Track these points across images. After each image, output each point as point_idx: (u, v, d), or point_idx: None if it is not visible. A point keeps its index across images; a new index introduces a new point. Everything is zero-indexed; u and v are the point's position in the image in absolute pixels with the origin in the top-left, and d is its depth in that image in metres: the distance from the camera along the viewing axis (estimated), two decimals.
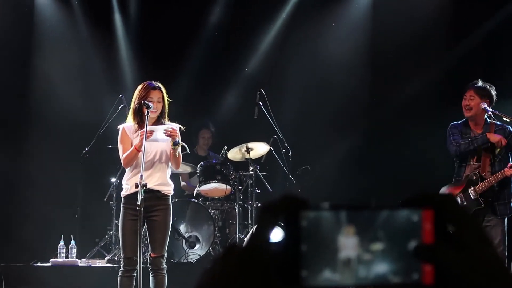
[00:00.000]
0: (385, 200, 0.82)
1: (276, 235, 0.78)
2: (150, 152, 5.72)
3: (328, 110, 9.59)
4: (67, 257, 8.02)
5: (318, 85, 9.77)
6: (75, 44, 9.83)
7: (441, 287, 0.77)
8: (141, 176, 5.41)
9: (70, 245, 8.05)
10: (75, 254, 8.05)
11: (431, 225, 0.77)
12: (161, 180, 5.76)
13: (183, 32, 9.93)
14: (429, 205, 0.78)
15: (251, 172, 8.14)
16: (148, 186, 5.58)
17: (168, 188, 5.84)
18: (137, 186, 5.41)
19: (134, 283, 5.62)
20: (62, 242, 8.03)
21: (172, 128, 5.71)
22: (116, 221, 8.14)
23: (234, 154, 8.33)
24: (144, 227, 5.82)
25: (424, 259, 0.77)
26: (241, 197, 8.25)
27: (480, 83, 6.25)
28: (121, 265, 5.71)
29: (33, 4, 9.91)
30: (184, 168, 8.39)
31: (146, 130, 5.51)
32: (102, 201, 8.39)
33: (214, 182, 8.18)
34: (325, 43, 9.96)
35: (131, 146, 5.68)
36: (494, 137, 6.08)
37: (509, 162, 6.16)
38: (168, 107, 5.88)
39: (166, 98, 5.82)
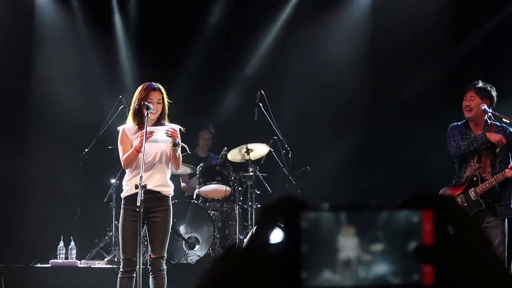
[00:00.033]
0: (385, 200, 0.82)
1: (276, 236, 0.78)
2: (150, 153, 5.72)
3: (328, 111, 9.59)
4: (66, 258, 8.02)
5: (318, 85, 9.76)
6: (75, 45, 9.83)
7: (441, 287, 0.76)
8: (141, 177, 5.41)
9: (69, 246, 8.05)
10: (74, 255, 8.05)
11: (431, 225, 0.77)
12: (161, 181, 5.76)
13: (183, 33, 9.93)
14: (429, 205, 0.78)
15: (251, 173, 8.14)
16: (149, 187, 5.59)
17: (169, 189, 5.84)
18: (137, 187, 5.41)
19: (134, 284, 5.62)
20: (61, 243, 8.03)
21: (172, 129, 5.71)
22: (116, 222, 8.15)
23: (234, 155, 8.33)
24: (144, 228, 5.82)
25: (424, 259, 0.77)
26: (241, 198, 8.25)
27: (480, 84, 6.24)
28: (121, 266, 5.71)
29: (33, 5, 9.92)
30: (184, 169, 8.39)
31: (146, 131, 5.52)
32: (102, 202, 8.39)
33: (214, 183, 8.18)
34: (325, 43, 9.97)
35: (131, 147, 5.68)
36: (494, 137, 6.07)
37: (510, 163, 6.16)
38: (168, 108, 5.88)
39: (166, 99, 5.82)
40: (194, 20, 10.02)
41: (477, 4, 9.09)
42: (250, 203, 8.10)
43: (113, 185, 8.28)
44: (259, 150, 8.29)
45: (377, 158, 9.31)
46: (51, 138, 9.37)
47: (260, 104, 8.18)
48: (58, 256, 7.99)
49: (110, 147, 8.17)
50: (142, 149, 5.51)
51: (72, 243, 8.07)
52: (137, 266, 5.51)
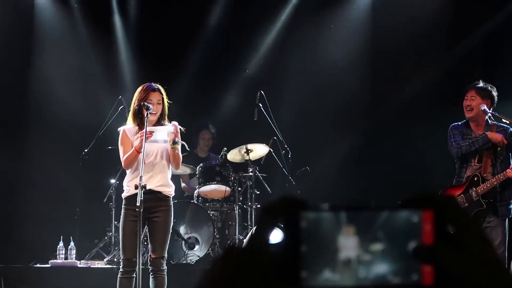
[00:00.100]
0: (385, 200, 0.82)
1: (276, 236, 0.78)
2: (150, 154, 5.72)
3: (328, 111, 9.59)
4: (66, 258, 8.01)
5: (318, 85, 9.76)
6: (74, 45, 9.83)
7: (441, 287, 0.76)
8: (141, 177, 5.41)
9: (69, 246, 8.04)
10: (74, 255, 8.05)
11: (431, 225, 0.77)
12: (162, 181, 5.77)
13: (183, 33, 9.93)
14: (429, 205, 0.78)
15: (251, 174, 8.14)
16: (150, 187, 5.61)
17: (169, 189, 5.84)
18: (136, 187, 5.41)
19: (134, 284, 5.62)
20: (61, 243, 8.02)
21: (173, 125, 5.72)
22: (116, 222, 8.15)
23: (234, 155, 8.33)
24: (145, 228, 5.82)
25: (424, 259, 0.76)
26: (241, 199, 8.25)
27: (481, 84, 6.24)
28: (121, 266, 5.71)
29: (33, 5, 9.91)
30: (184, 170, 8.39)
31: (146, 131, 5.52)
32: (102, 202, 8.39)
33: (214, 184, 8.18)
34: (325, 43, 9.97)
35: (132, 148, 5.68)
36: (495, 137, 6.07)
37: (510, 163, 6.16)
38: (168, 109, 5.88)
39: (165, 100, 5.83)
40: (194, 21, 10.02)
41: (477, 4, 9.09)
42: (249, 203, 8.10)
43: (112, 185, 8.28)
44: (259, 150, 8.29)
45: (377, 158, 9.31)
46: (50, 138, 9.37)
47: (260, 104, 8.18)
48: (57, 256, 7.99)
49: (109, 147, 8.17)
50: (142, 150, 5.52)
51: (72, 243, 8.07)
52: (137, 266, 5.51)
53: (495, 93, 6.23)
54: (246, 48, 10.16)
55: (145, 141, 5.51)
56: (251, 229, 7.92)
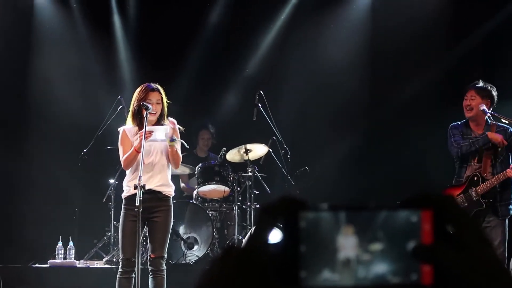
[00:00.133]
0: (385, 200, 0.81)
1: (275, 236, 0.78)
2: (150, 154, 5.73)
3: (327, 111, 9.59)
4: (65, 258, 8.01)
5: (318, 85, 9.76)
6: (74, 45, 9.83)
7: (440, 287, 0.76)
8: (140, 177, 5.41)
9: (68, 246, 8.04)
10: (73, 255, 8.05)
11: (430, 225, 0.77)
12: (162, 181, 5.77)
13: (182, 33, 9.93)
14: (428, 205, 0.78)
15: (250, 174, 8.15)
16: (150, 187, 5.62)
17: (170, 189, 5.85)
18: (136, 187, 5.41)
19: (133, 284, 5.62)
20: (60, 243, 8.02)
21: (172, 126, 5.73)
22: (115, 222, 8.15)
23: (233, 155, 8.33)
24: (145, 228, 5.82)
25: (423, 259, 0.76)
26: (240, 199, 8.25)
27: (481, 84, 6.24)
28: (120, 266, 5.71)
29: (32, 6, 9.91)
30: (183, 170, 8.39)
31: (145, 131, 5.52)
32: (101, 202, 8.38)
33: (213, 184, 8.18)
34: (325, 43, 9.97)
35: (131, 148, 5.69)
36: (495, 137, 6.07)
37: (510, 163, 6.16)
38: (167, 108, 5.88)
39: (165, 100, 5.83)
40: (193, 21, 10.02)
41: (477, 4, 9.09)
42: (248, 204, 8.11)
43: (111, 185, 8.28)
44: (258, 150, 8.29)
45: (377, 158, 9.31)
46: (50, 138, 9.37)
47: (259, 104, 8.18)
48: (56, 256, 7.99)
49: (108, 147, 8.17)
50: (141, 149, 5.52)
51: (71, 243, 8.06)
52: (138, 266, 5.51)
53: (495, 93, 6.23)
54: (246, 48, 10.16)
55: (144, 141, 5.51)
56: (250, 229, 7.92)
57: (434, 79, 9.33)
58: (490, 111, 6.15)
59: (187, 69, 9.83)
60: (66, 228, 8.40)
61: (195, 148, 9.19)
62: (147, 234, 5.88)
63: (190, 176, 8.84)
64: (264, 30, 10.17)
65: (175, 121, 5.87)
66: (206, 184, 8.18)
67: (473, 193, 6.08)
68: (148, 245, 5.96)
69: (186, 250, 7.97)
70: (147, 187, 5.59)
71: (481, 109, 6.13)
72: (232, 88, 10.09)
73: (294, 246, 0.77)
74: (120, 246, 5.76)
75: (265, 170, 8.54)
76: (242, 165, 8.38)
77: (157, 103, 5.75)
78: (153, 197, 5.71)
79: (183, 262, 7.86)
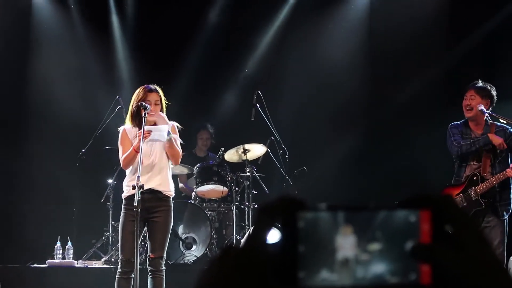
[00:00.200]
0: (385, 200, 0.82)
1: (273, 236, 0.78)
2: (149, 154, 5.73)
3: (327, 111, 9.59)
4: (63, 258, 8.00)
5: (316, 86, 9.77)
6: (72, 46, 9.83)
7: (439, 287, 0.76)
8: (138, 177, 5.41)
9: (66, 246, 8.03)
10: (71, 255, 8.04)
11: (429, 225, 0.77)
12: (162, 181, 5.77)
13: (181, 33, 9.93)
14: (427, 205, 0.78)
15: (248, 174, 8.15)
16: (150, 186, 5.63)
17: (170, 190, 5.85)
18: (134, 187, 5.41)
19: (132, 285, 5.61)
20: (58, 243, 8.01)
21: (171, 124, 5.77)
22: (113, 222, 8.15)
23: (231, 155, 8.33)
24: (144, 228, 5.82)
25: (422, 258, 0.76)
26: (238, 199, 8.25)
27: (480, 83, 6.24)
28: (119, 267, 5.70)
29: (31, 5, 9.91)
30: (181, 170, 8.40)
31: (144, 130, 5.52)
32: (99, 202, 8.37)
33: (211, 184, 8.18)
34: (324, 43, 9.97)
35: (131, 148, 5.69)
36: (496, 139, 6.07)
37: (510, 163, 6.16)
38: (166, 109, 5.89)
39: (163, 101, 5.83)
40: (192, 21, 10.02)
41: (477, 4, 9.09)
42: (247, 204, 8.11)
43: (110, 185, 8.28)
44: (256, 150, 8.29)
45: (377, 158, 9.31)
46: (48, 138, 9.36)
47: (257, 104, 8.18)
48: (55, 256, 7.98)
49: (107, 147, 8.17)
50: (140, 149, 5.51)
51: (69, 243, 8.05)
52: (136, 266, 5.50)
53: (494, 93, 6.23)
54: (244, 48, 10.16)
55: (143, 141, 5.51)
56: (248, 229, 7.92)
57: (434, 79, 9.33)
58: (488, 111, 6.15)
59: (185, 69, 9.82)
60: (65, 228, 8.39)
61: (194, 148, 9.19)
62: (146, 234, 5.87)
63: (189, 176, 8.84)
64: (263, 30, 10.17)
65: (175, 124, 5.89)
66: (205, 184, 8.18)
67: (472, 192, 6.08)
68: (148, 245, 5.95)
69: (184, 250, 7.97)
70: (147, 187, 5.60)
71: (479, 109, 6.12)
72: (230, 88, 10.09)
73: (293, 246, 0.77)
74: (119, 246, 5.75)
75: (263, 170, 8.54)
76: (240, 165, 8.38)
77: (156, 104, 5.75)
78: (153, 197, 5.71)
79: (182, 262, 7.86)
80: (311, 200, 0.78)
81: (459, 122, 6.33)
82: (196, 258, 7.86)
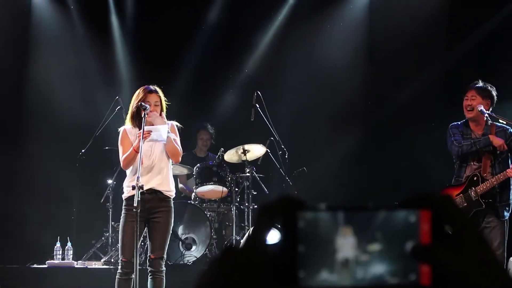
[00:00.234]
0: (385, 200, 0.82)
1: (273, 237, 0.78)
2: (150, 154, 5.73)
3: (327, 111, 9.59)
4: (63, 258, 8.00)
5: (317, 86, 9.77)
6: (72, 46, 9.83)
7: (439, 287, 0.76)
8: (138, 178, 5.41)
9: (66, 247, 8.03)
10: (71, 256, 8.04)
11: (429, 225, 0.77)
12: (162, 181, 5.77)
13: (180, 33, 9.93)
14: (426, 205, 0.78)
15: (248, 174, 8.15)
16: (150, 187, 5.62)
17: (170, 190, 5.84)
18: (133, 188, 5.41)
19: (132, 286, 5.60)
20: (58, 244, 8.01)
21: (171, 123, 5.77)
22: (113, 222, 8.15)
23: (231, 156, 8.32)
24: (145, 228, 5.81)
25: (422, 259, 0.76)
26: (238, 199, 8.25)
27: (481, 84, 6.23)
28: (119, 267, 5.68)
29: (30, 6, 9.91)
30: (181, 170, 8.40)
31: (143, 131, 5.52)
32: (99, 203, 8.37)
33: (211, 184, 8.18)
34: (324, 43, 9.97)
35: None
36: (496, 141, 6.06)
37: (510, 163, 6.15)
38: (166, 109, 5.89)
39: (163, 101, 5.83)
40: (191, 21, 10.02)
41: (477, 3, 9.09)
42: (246, 204, 8.10)
43: (109, 186, 8.28)
44: (256, 151, 8.29)
45: (377, 158, 9.31)
46: (48, 139, 9.36)
47: (256, 105, 8.18)
48: (54, 256, 7.98)
49: (107, 147, 8.17)
50: (140, 149, 5.51)
51: (69, 244, 8.05)
52: (136, 266, 5.50)
53: (494, 93, 6.22)
54: (244, 48, 10.17)
55: (142, 141, 5.51)
56: (248, 229, 7.92)
57: (434, 79, 9.33)
58: (487, 112, 6.14)
59: (185, 69, 9.83)
60: (64, 229, 8.39)
61: (194, 149, 9.18)
62: (147, 234, 5.86)
63: (188, 176, 8.84)
64: (262, 30, 10.17)
65: (174, 124, 5.89)
66: (204, 185, 8.18)
67: (472, 193, 6.07)
68: (148, 246, 5.95)
69: (184, 251, 7.96)
70: (147, 187, 5.61)
71: (479, 109, 6.11)
72: (230, 88, 10.09)
73: (293, 246, 0.77)
74: (120, 247, 5.74)
75: (263, 170, 8.54)
76: (240, 166, 8.38)
77: (156, 105, 5.75)
78: (154, 197, 5.71)
79: (181, 262, 7.85)
80: (311, 200, 0.78)
81: (459, 122, 6.32)
82: (195, 258, 7.86)
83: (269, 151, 8.32)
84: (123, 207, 5.77)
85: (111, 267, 7.54)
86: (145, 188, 5.57)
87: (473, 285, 0.74)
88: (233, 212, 8.10)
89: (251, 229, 0.80)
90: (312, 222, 0.77)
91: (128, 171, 5.83)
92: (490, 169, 6.13)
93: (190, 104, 9.42)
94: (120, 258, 5.68)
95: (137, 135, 5.62)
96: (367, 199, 0.82)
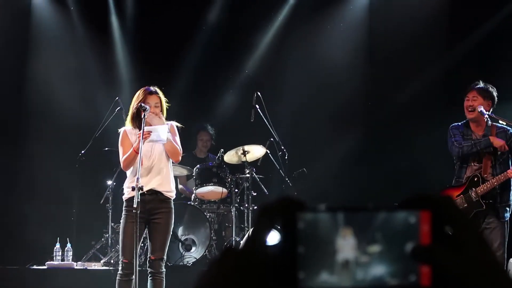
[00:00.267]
0: (385, 200, 0.82)
1: (273, 238, 0.78)
2: (150, 155, 5.73)
3: (327, 111, 9.59)
4: (63, 260, 7.99)
5: (317, 86, 9.77)
6: (72, 46, 9.83)
7: None
8: (137, 179, 5.41)
9: (66, 248, 8.02)
10: (71, 257, 8.03)
11: (429, 226, 0.77)
12: (162, 181, 5.77)
13: (180, 34, 9.93)
14: (426, 206, 0.78)
15: (247, 175, 8.15)
16: (150, 187, 5.63)
17: (171, 191, 5.84)
18: (133, 189, 5.41)
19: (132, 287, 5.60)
20: (58, 245, 8.00)
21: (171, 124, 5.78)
22: (112, 223, 8.15)
23: (231, 157, 8.32)
24: (145, 230, 5.81)
25: (422, 260, 0.76)
26: (237, 200, 8.25)
27: (482, 84, 6.23)
28: (120, 269, 5.68)
29: (30, 6, 9.91)
30: (181, 171, 8.40)
31: (143, 131, 5.52)
32: (98, 204, 8.37)
33: (210, 185, 8.18)
34: (324, 43, 9.97)
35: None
36: (497, 142, 6.06)
37: (510, 164, 6.15)
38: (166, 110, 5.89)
39: (164, 103, 5.83)
40: (191, 22, 10.02)
41: (477, 4, 9.09)
42: (246, 205, 8.10)
43: (109, 187, 8.27)
44: (256, 152, 8.29)
45: (377, 158, 9.30)
46: (47, 139, 9.36)
47: (256, 105, 8.18)
48: (54, 257, 7.97)
49: (106, 148, 8.17)
50: (139, 150, 5.51)
51: (69, 245, 8.04)
52: (136, 268, 5.49)
53: (495, 94, 6.23)
54: (244, 49, 10.17)
55: (142, 142, 5.51)
56: (248, 230, 7.92)
57: (434, 79, 9.33)
58: (487, 113, 6.13)
59: (185, 69, 9.83)
60: (64, 230, 8.39)
61: (194, 149, 9.18)
62: (147, 235, 5.86)
63: (188, 177, 8.84)
64: (263, 30, 10.17)
65: (174, 124, 5.89)
66: (204, 186, 8.18)
67: (473, 194, 6.07)
68: (148, 247, 5.95)
69: (184, 252, 7.96)
70: (147, 188, 5.61)
71: (479, 110, 6.11)
72: (230, 88, 10.09)
73: (292, 247, 0.76)
74: (120, 248, 5.73)
75: (263, 171, 8.53)
76: (239, 167, 8.38)
77: (156, 106, 5.75)
78: (154, 198, 5.71)
79: (181, 264, 7.85)
80: (311, 200, 0.78)
81: (460, 123, 6.31)
82: (195, 259, 7.86)
83: (269, 152, 8.32)
84: (123, 208, 5.77)
85: (110, 268, 7.54)
86: (145, 189, 5.58)
87: (473, 286, 0.74)
88: (233, 213, 8.09)
89: (251, 230, 0.80)
90: (312, 223, 0.77)
91: (128, 172, 5.83)
92: (491, 170, 6.13)
93: (190, 104, 9.43)
94: (121, 259, 5.68)
95: (137, 135, 5.62)
96: (367, 199, 0.81)
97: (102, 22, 10.02)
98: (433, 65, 9.40)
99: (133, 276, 5.56)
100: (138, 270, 5.53)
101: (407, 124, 9.12)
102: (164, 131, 5.70)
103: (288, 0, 10.12)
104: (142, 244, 6.58)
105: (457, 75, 8.76)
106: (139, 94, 5.78)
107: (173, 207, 5.84)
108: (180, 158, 5.95)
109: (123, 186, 5.95)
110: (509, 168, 6.05)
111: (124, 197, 5.81)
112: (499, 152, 6.11)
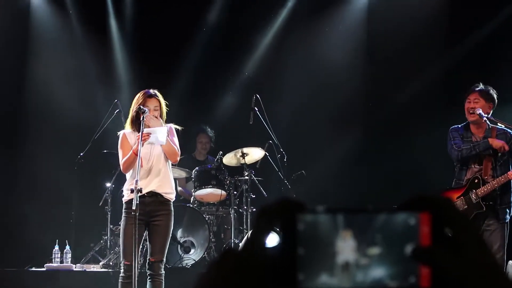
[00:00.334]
0: (385, 201, 0.82)
1: (272, 240, 0.77)
2: (149, 157, 5.73)
3: (327, 111, 9.59)
4: (62, 262, 7.98)
5: (317, 86, 9.77)
6: (71, 48, 9.83)
7: None
8: (136, 181, 5.41)
9: (65, 250, 8.01)
10: (70, 259, 8.02)
11: (429, 228, 0.77)
12: (162, 183, 5.77)
13: (179, 35, 9.93)
14: (426, 208, 0.77)
15: (246, 177, 8.13)
16: (150, 189, 5.62)
17: (170, 193, 5.84)
18: (132, 191, 5.41)
19: None
20: (57, 247, 8.00)
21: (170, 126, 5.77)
22: (111, 226, 8.15)
23: (229, 159, 8.32)
24: (145, 231, 5.81)
25: (422, 261, 0.76)
26: (236, 202, 8.24)
27: (482, 86, 6.22)
28: (121, 271, 5.67)
29: (29, 7, 9.91)
30: (180, 173, 8.39)
31: (142, 134, 5.52)
32: (97, 206, 8.36)
33: (209, 187, 8.18)
34: (324, 44, 9.97)
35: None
36: (496, 143, 6.06)
37: (511, 166, 6.15)
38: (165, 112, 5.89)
39: (163, 105, 5.83)
40: (191, 23, 10.02)
41: (477, 4, 9.09)
42: (245, 207, 8.09)
43: (108, 189, 8.27)
44: (255, 154, 8.28)
45: (377, 159, 9.30)
46: (46, 141, 9.36)
47: (255, 108, 8.17)
48: (53, 260, 7.96)
49: (105, 150, 8.16)
50: (138, 152, 5.51)
51: (67, 247, 8.03)
52: (135, 270, 5.49)
53: (496, 95, 6.22)
54: (244, 49, 10.17)
55: (141, 144, 5.50)
56: (247, 233, 7.92)
57: (434, 79, 9.33)
58: (486, 115, 6.12)
59: (184, 70, 9.83)
60: (63, 232, 8.38)
61: (194, 152, 9.18)
62: (147, 237, 5.86)
63: (187, 180, 8.84)
64: (262, 31, 10.18)
65: (172, 127, 5.89)
66: (203, 188, 8.18)
67: (473, 195, 6.06)
68: (147, 249, 5.94)
69: (183, 254, 7.96)
70: (147, 190, 5.61)
71: (478, 113, 6.10)
72: (228, 91, 10.09)
73: (292, 249, 0.76)
74: (121, 250, 5.73)
75: (262, 173, 8.53)
76: (238, 169, 8.38)
77: (155, 110, 5.76)
78: (154, 200, 5.71)
79: (180, 266, 7.85)
80: (310, 200, 0.78)
81: (459, 126, 6.31)
82: (194, 261, 7.85)
83: (267, 154, 8.31)
84: (123, 210, 5.77)
85: (109, 270, 7.53)
86: (145, 191, 5.58)
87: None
88: (232, 215, 8.09)
89: (250, 232, 0.80)
90: (312, 224, 0.77)
91: (128, 175, 5.84)
92: (491, 172, 6.12)
93: (189, 105, 9.43)
94: (122, 262, 5.67)
95: (137, 138, 5.62)
96: (367, 200, 0.81)
97: (101, 23, 10.02)
98: (433, 65, 9.41)
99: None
100: (137, 272, 5.52)
101: (407, 124, 9.13)
102: (163, 133, 5.70)
103: (288, 0, 10.12)
104: (141, 246, 6.58)
105: (457, 75, 8.76)
106: (138, 97, 5.78)
107: (172, 209, 5.84)
108: (178, 158, 5.95)
109: (122, 188, 5.95)
110: (509, 170, 6.05)
111: (124, 199, 5.81)
112: (499, 154, 6.11)
